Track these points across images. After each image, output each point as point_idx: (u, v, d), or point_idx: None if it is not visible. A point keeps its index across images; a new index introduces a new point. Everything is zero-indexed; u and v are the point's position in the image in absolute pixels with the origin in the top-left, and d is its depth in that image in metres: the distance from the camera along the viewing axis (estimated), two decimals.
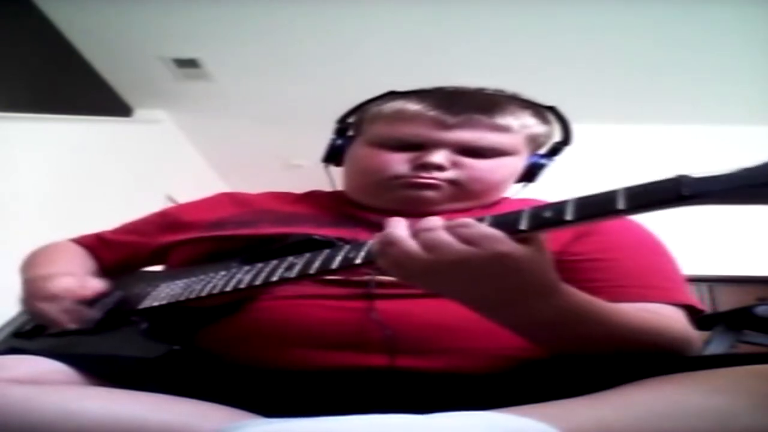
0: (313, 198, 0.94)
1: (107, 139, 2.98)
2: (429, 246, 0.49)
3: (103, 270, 0.94)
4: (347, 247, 0.59)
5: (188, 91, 3.18)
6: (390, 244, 0.51)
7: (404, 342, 0.64)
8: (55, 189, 2.52)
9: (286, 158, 3.86)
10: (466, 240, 0.49)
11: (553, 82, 2.79)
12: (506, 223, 0.50)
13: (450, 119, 0.81)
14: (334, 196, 0.92)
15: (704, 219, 2.55)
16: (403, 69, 2.54)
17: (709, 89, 2.88)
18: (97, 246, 0.97)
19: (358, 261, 0.56)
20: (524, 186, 0.92)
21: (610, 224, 0.76)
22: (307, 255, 0.61)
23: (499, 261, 0.49)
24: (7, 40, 2.47)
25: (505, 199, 0.89)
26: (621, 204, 0.45)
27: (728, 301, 2.14)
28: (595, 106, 3.00)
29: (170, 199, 3.15)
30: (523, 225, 0.50)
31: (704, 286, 2.24)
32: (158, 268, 0.92)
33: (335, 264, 0.58)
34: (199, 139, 3.67)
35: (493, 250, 0.48)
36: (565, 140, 0.90)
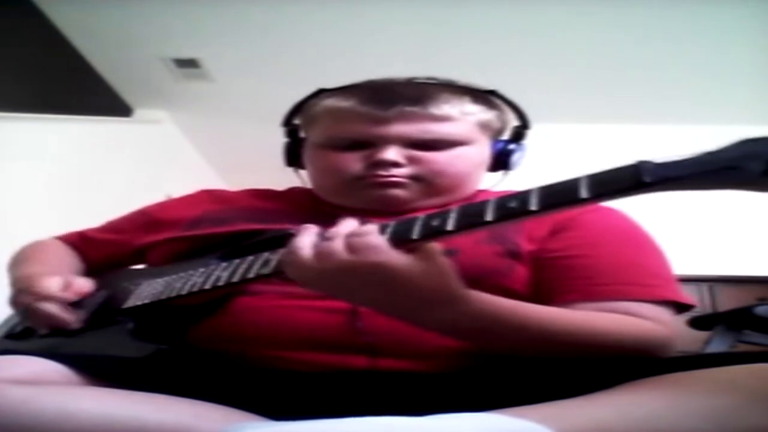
0: (291, 195, 0.94)
1: (107, 139, 2.98)
2: (318, 254, 0.52)
3: (89, 268, 0.93)
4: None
5: (188, 91, 3.17)
6: (290, 251, 0.54)
7: (387, 344, 0.64)
8: (55, 189, 2.52)
9: None
10: (351, 248, 0.50)
11: (553, 83, 2.80)
12: (401, 231, 0.52)
13: (382, 114, 0.79)
14: (313, 193, 0.91)
15: (704, 218, 2.55)
16: (404, 69, 2.53)
17: (709, 89, 2.87)
18: (81, 244, 0.97)
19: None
20: (504, 174, 0.90)
21: (589, 217, 0.74)
22: (282, 251, 0.61)
23: (378, 270, 0.50)
24: (7, 40, 2.47)
25: (483, 191, 0.86)
26: (584, 193, 0.45)
27: (728, 301, 2.14)
28: (595, 106, 2.99)
29: (170, 199, 3.14)
30: (415, 234, 0.51)
31: (704, 286, 2.23)
32: (142, 266, 0.92)
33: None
34: (199, 139, 3.66)
35: (371, 259, 0.50)
36: (523, 124, 0.88)
